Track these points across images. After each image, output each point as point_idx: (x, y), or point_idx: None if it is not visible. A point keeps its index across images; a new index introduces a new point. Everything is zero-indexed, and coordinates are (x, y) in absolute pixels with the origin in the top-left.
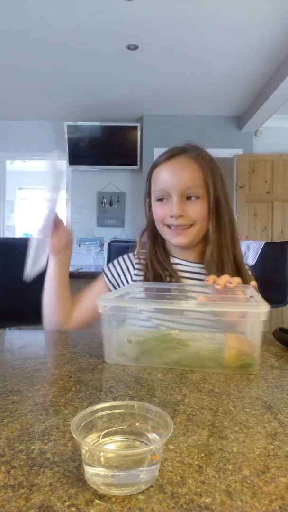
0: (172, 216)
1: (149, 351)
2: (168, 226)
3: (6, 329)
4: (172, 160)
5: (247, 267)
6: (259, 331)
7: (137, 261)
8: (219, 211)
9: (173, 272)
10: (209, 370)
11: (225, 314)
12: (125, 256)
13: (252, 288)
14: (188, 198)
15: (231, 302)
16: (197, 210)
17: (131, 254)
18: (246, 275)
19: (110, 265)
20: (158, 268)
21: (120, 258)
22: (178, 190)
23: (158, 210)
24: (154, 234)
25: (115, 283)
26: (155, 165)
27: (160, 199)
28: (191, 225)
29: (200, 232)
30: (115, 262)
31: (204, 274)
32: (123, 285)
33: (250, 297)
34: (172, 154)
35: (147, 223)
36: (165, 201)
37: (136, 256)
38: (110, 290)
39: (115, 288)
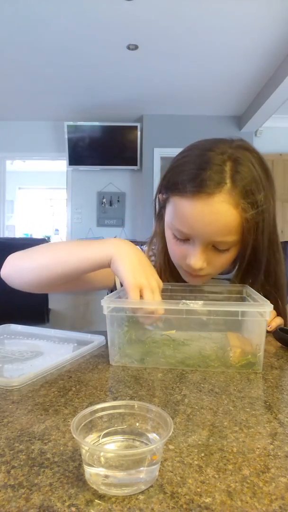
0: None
1: (152, 352)
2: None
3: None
4: (204, 200)
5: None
6: (263, 330)
7: None
8: (256, 255)
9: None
10: (214, 370)
11: (229, 313)
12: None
13: (250, 288)
14: (214, 246)
15: (235, 302)
16: (223, 261)
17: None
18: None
19: None
20: (171, 281)
21: None
22: (203, 241)
23: (174, 249)
24: (164, 242)
25: None
26: (178, 188)
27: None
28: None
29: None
30: None
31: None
32: None
33: (247, 296)
34: (208, 192)
35: (154, 231)
36: (184, 241)
37: None
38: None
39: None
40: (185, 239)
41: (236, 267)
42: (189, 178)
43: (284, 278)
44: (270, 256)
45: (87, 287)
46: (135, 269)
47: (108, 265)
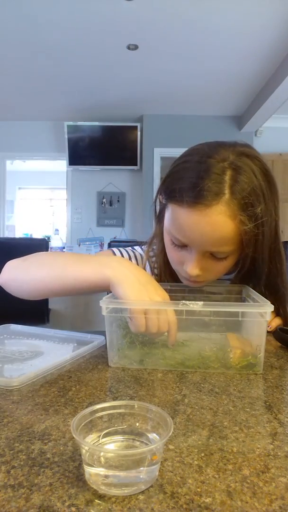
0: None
1: (151, 354)
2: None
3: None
4: (201, 211)
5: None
6: (264, 331)
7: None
8: (255, 265)
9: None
10: (214, 371)
11: (229, 314)
12: (138, 256)
13: (250, 288)
14: (212, 254)
15: (236, 303)
16: (220, 268)
17: (144, 257)
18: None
19: (124, 251)
20: (171, 281)
21: (131, 252)
22: (200, 250)
23: (172, 254)
24: (163, 243)
25: None
26: (176, 197)
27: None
28: None
29: None
30: (128, 253)
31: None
32: None
33: (247, 296)
34: (206, 204)
35: (154, 232)
36: (182, 247)
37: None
38: None
39: None
40: (183, 245)
41: (237, 271)
42: (187, 187)
43: (286, 288)
44: (272, 267)
45: (87, 291)
46: (136, 292)
47: (106, 288)
